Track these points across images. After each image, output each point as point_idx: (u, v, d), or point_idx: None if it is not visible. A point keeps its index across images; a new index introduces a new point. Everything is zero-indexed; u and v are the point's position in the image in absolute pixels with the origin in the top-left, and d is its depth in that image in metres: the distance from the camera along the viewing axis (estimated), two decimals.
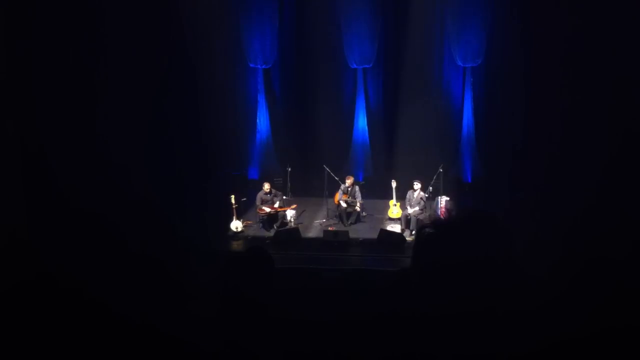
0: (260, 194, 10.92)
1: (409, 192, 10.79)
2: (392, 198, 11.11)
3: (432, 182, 11.00)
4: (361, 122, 12.71)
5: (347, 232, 10.17)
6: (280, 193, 11.16)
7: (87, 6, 9.20)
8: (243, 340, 2.05)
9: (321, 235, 10.25)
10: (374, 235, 10.10)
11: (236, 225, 10.53)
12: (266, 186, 10.95)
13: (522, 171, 10.25)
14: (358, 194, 11.17)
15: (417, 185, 10.70)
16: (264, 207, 10.78)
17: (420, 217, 10.40)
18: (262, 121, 12.88)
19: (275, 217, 10.82)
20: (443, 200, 10.90)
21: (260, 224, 10.84)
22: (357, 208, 11.10)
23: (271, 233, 10.44)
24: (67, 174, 8.70)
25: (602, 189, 8.33)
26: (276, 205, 10.90)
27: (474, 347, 1.48)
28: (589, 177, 8.66)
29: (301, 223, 11.09)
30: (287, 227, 10.70)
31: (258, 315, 2.11)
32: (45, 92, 8.79)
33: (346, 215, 11.07)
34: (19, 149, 8.64)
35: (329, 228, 10.61)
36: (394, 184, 11.02)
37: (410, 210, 10.58)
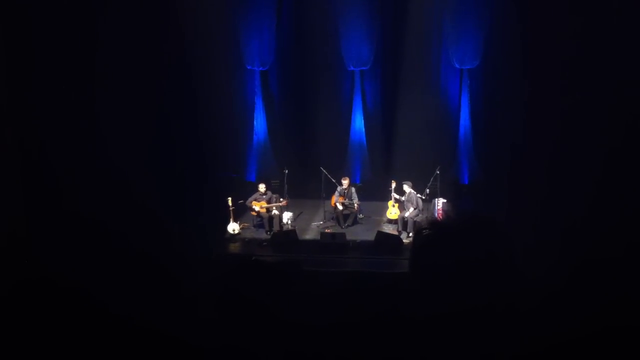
0: (255, 195, 10.89)
1: (404, 196, 10.76)
2: (390, 199, 11.07)
3: (429, 184, 10.98)
4: (358, 124, 12.69)
5: (344, 234, 10.15)
6: (276, 195, 11.09)
7: (84, 9, 9.20)
8: (243, 341, 2.04)
9: (318, 237, 10.22)
10: (371, 237, 10.08)
11: (233, 227, 10.50)
12: (262, 187, 10.91)
13: (519, 173, 10.25)
14: (354, 196, 11.13)
15: (406, 187, 10.68)
16: (254, 206, 10.72)
17: (417, 219, 10.38)
18: (259, 123, 12.83)
19: (272, 220, 10.76)
20: (440, 202, 10.88)
21: (257, 227, 10.79)
22: (355, 208, 11.07)
23: (268, 235, 10.43)
24: (65, 176, 8.70)
25: (601, 191, 8.35)
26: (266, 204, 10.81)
27: (474, 348, 1.47)
28: (587, 179, 8.67)
29: (296, 226, 11.05)
30: (284, 229, 10.66)
31: (260, 318, 2.10)
32: (45, 95, 8.78)
33: (343, 217, 11.06)
34: (18, 150, 8.63)
35: (326, 230, 10.59)
36: (392, 185, 10.99)
37: (407, 213, 10.56)
